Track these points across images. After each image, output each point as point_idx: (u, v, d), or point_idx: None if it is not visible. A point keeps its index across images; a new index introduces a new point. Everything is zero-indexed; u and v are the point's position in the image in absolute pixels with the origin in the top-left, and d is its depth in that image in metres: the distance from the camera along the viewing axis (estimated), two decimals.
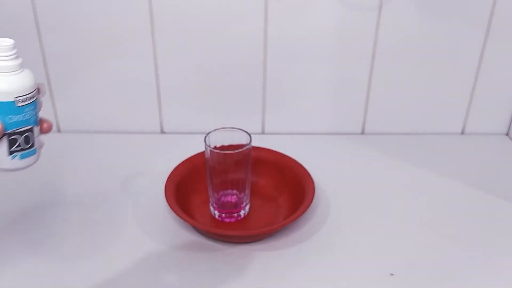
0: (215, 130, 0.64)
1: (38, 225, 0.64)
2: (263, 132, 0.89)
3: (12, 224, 0.64)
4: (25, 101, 0.47)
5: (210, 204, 0.67)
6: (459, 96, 0.86)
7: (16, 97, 0.46)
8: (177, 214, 0.61)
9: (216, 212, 0.66)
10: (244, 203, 0.66)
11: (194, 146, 0.77)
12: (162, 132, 0.89)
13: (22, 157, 0.49)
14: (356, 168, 0.79)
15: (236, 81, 0.84)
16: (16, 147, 0.48)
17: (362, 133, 0.90)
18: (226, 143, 0.65)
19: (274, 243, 0.61)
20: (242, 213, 0.67)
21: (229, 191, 0.66)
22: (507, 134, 0.90)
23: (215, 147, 0.64)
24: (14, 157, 0.49)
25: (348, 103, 0.87)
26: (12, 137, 0.48)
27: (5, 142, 0.48)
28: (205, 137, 0.62)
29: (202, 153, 0.69)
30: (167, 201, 0.63)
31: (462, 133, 0.90)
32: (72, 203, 0.69)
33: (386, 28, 0.79)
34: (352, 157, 0.82)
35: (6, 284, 0.55)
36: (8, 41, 0.46)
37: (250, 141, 0.63)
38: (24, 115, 0.48)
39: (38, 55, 0.80)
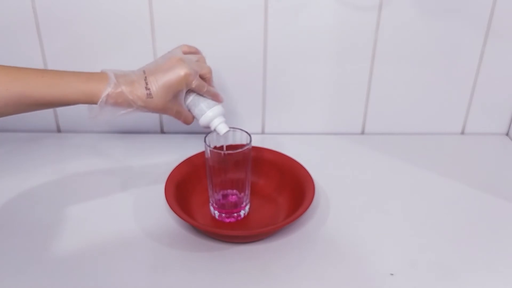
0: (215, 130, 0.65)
1: (35, 224, 0.64)
2: (263, 132, 0.89)
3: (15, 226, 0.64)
4: None
5: (210, 204, 0.67)
6: (459, 96, 0.86)
7: None
8: (177, 214, 0.61)
9: (216, 212, 0.66)
10: (244, 203, 0.66)
11: (194, 146, 0.77)
12: (162, 132, 0.89)
13: None
14: (356, 168, 0.79)
15: (236, 81, 0.84)
16: None
17: (362, 133, 0.90)
18: (226, 143, 0.65)
19: (274, 243, 0.61)
20: (242, 213, 0.67)
21: (229, 191, 0.66)
22: (507, 134, 0.90)
23: (215, 147, 0.64)
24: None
25: (348, 103, 0.87)
26: None
27: None
28: (205, 137, 0.62)
29: (202, 153, 0.69)
30: (167, 201, 0.63)
31: (462, 133, 0.90)
32: (72, 203, 0.69)
33: (386, 28, 0.79)
34: (352, 157, 0.82)
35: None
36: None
37: (250, 141, 0.63)
38: None
39: (38, 55, 0.80)
